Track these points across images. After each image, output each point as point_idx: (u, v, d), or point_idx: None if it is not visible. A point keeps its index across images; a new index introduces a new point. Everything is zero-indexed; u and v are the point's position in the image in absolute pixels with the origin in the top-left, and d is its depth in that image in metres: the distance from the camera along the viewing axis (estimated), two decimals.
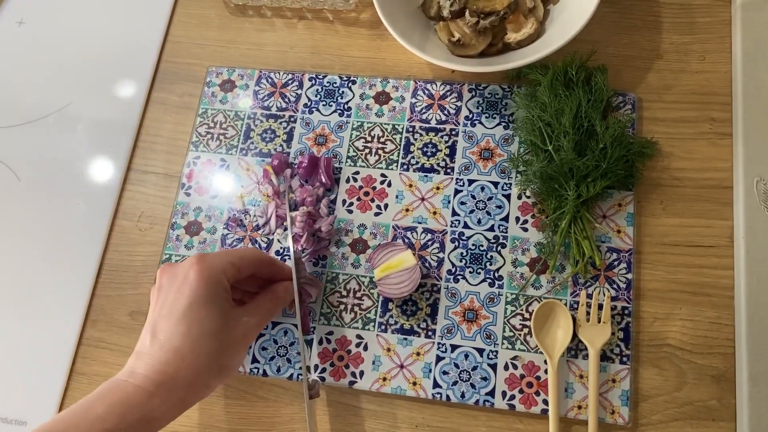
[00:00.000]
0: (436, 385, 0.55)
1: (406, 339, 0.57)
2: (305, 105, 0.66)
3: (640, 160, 0.59)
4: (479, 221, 0.60)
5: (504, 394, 0.54)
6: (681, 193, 0.59)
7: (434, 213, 0.60)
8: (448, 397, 0.55)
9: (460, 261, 0.59)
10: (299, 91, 0.67)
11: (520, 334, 0.56)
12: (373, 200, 0.62)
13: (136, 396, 0.44)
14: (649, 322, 0.56)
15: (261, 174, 0.64)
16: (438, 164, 0.62)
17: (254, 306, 0.52)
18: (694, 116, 0.61)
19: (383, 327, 0.58)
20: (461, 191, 0.61)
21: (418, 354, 0.56)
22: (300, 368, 0.57)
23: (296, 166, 0.63)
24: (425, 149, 0.63)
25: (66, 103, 0.70)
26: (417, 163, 0.62)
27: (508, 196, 0.60)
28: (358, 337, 0.58)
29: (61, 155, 0.68)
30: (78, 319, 0.62)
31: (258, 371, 0.57)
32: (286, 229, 0.60)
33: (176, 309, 0.47)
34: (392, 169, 0.63)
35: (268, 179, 0.63)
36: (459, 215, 0.60)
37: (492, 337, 0.56)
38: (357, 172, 0.63)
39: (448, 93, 0.65)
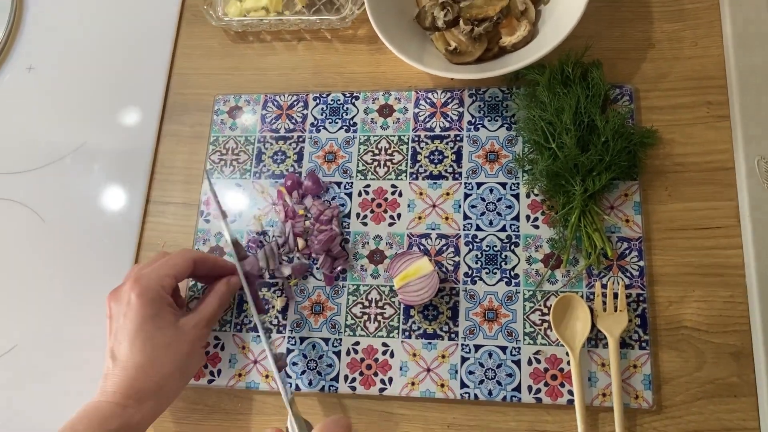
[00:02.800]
0: (463, 385, 0.57)
1: (430, 343, 0.59)
2: (312, 124, 0.68)
3: (642, 149, 0.60)
4: (491, 222, 0.61)
5: (530, 388, 0.56)
6: (685, 178, 0.60)
7: (446, 218, 0.62)
8: (476, 395, 0.57)
9: (476, 263, 0.60)
10: (305, 111, 0.69)
11: (540, 329, 0.58)
12: (386, 211, 0.64)
13: (110, 410, 0.50)
14: (665, 307, 0.57)
15: (276, 195, 0.66)
16: (446, 170, 0.64)
17: (201, 307, 0.58)
18: (691, 102, 0.63)
19: (407, 333, 0.60)
20: (471, 195, 0.63)
21: (443, 357, 0.58)
22: (331, 380, 0.59)
23: (301, 187, 0.65)
24: (432, 157, 0.65)
25: (81, 142, 0.73)
26: (425, 171, 0.64)
27: (516, 196, 0.62)
28: (384, 345, 0.60)
29: (81, 193, 0.70)
30: None
31: (291, 386, 0.60)
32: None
33: (128, 332, 0.53)
34: (402, 179, 0.64)
35: (283, 200, 0.65)
36: (471, 218, 0.62)
37: (513, 335, 0.58)
38: (368, 185, 0.65)
39: (450, 100, 0.66)
